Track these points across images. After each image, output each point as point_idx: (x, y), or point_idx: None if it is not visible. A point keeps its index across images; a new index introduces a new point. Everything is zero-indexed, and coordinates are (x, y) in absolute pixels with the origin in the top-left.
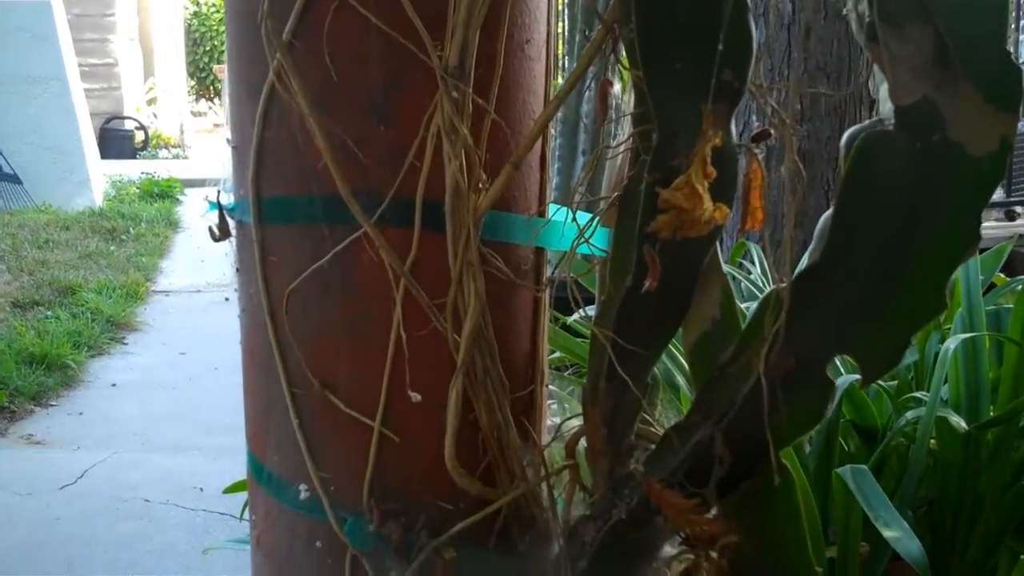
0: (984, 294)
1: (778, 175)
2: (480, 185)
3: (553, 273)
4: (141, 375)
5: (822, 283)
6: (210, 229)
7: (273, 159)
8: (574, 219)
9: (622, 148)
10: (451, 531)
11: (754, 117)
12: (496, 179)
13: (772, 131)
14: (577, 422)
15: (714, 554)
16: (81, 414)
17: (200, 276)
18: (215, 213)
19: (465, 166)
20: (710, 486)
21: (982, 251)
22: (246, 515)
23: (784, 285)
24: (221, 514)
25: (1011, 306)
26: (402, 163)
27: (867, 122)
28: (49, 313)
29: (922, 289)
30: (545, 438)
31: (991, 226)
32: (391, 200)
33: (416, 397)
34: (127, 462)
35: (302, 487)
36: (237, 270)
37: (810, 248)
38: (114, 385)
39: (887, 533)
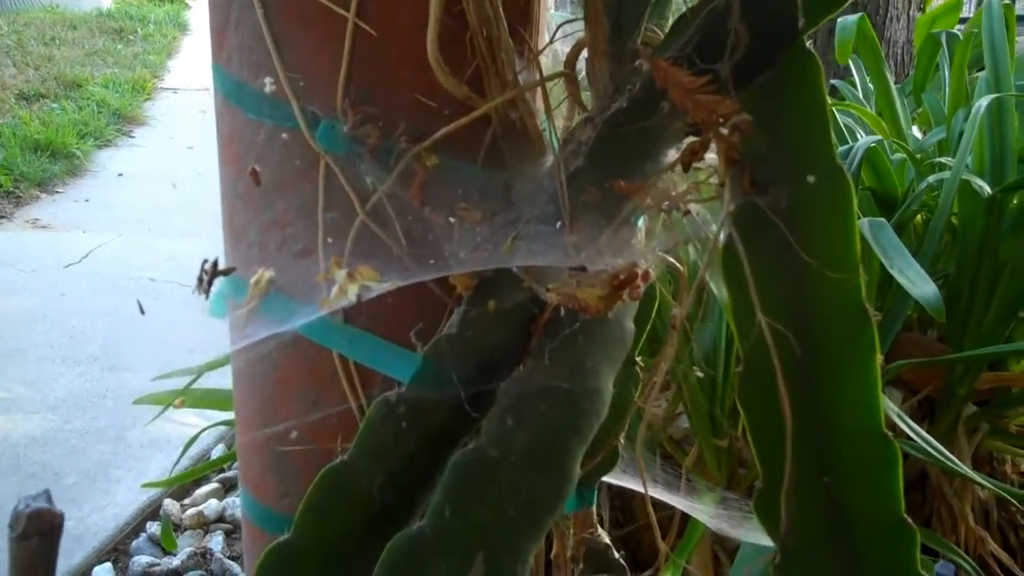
0: None
1: None
2: None
3: None
4: (148, 167)
5: None
6: None
7: None
8: None
9: None
10: (434, 136)
11: None
12: None
13: None
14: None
15: (724, 131)
16: (87, 201)
17: (209, 76)
18: None
19: None
20: (723, 62)
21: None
22: None
23: None
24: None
25: None
26: None
27: None
28: (55, 105)
29: None
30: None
31: None
32: None
33: None
34: (133, 245)
35: (267, 80)
36: None
37: None
38: (120, 175)
39: (902, 280)
